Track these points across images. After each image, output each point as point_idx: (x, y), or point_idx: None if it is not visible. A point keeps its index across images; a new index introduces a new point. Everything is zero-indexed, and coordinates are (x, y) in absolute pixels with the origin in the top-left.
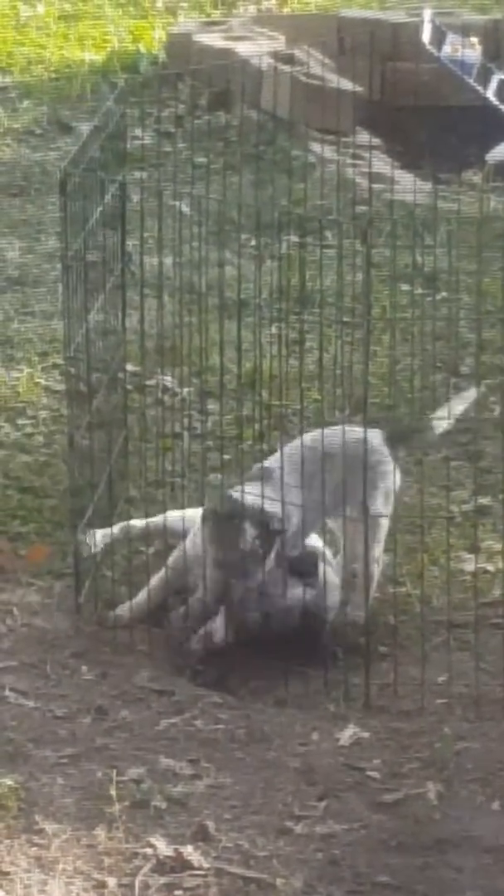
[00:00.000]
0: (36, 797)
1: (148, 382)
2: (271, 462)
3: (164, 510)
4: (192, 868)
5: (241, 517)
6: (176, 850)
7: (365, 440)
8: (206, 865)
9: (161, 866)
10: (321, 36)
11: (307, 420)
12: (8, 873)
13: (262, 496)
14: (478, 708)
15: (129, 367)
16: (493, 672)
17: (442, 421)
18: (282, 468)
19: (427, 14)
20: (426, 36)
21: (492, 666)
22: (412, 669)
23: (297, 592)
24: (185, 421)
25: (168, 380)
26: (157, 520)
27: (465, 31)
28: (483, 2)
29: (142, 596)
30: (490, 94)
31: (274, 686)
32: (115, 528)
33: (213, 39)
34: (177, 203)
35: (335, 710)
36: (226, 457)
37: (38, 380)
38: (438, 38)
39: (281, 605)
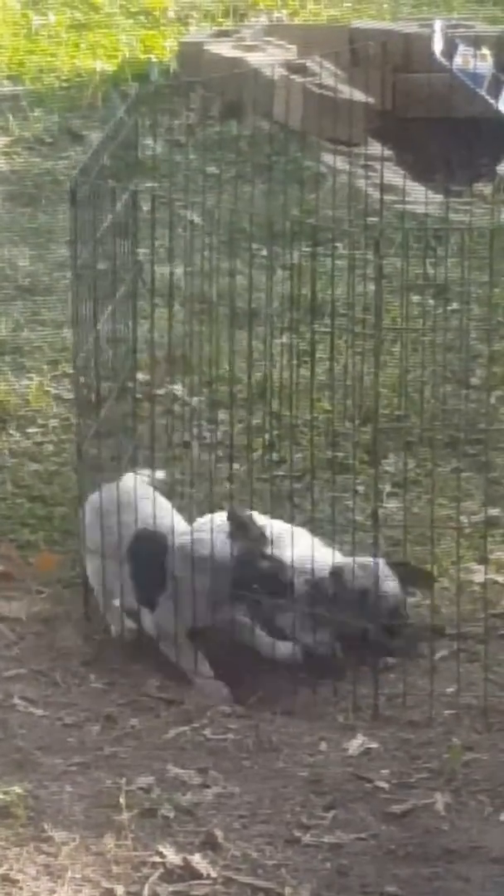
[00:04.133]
0: (44, 805)
1: (158, 392)
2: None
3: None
4: (201, 877)
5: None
6: (184, 858)
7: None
8: (214, 874)
9: (169, 875)
10: (333, 46)
11: (317, 430)
12: (16, 881)
13: None
14: (486, 719)
15: (140, 376)
16: (501, 683)
17: None
18: None
19: (439, 25)
20: (438, 47)
21: (500, 677)
22: (421, 680)
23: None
24: (195, 430)
25: (178, 389)
26: None
27: (476, 42)
28: (495, 13)
29: None
30: (501, 105)
31: (282, 696)
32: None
33: (225, 49)
34: (188, 213)
35: (343, 720)
36: (235, 467)
37: (48, 388)
38: (450, 49)
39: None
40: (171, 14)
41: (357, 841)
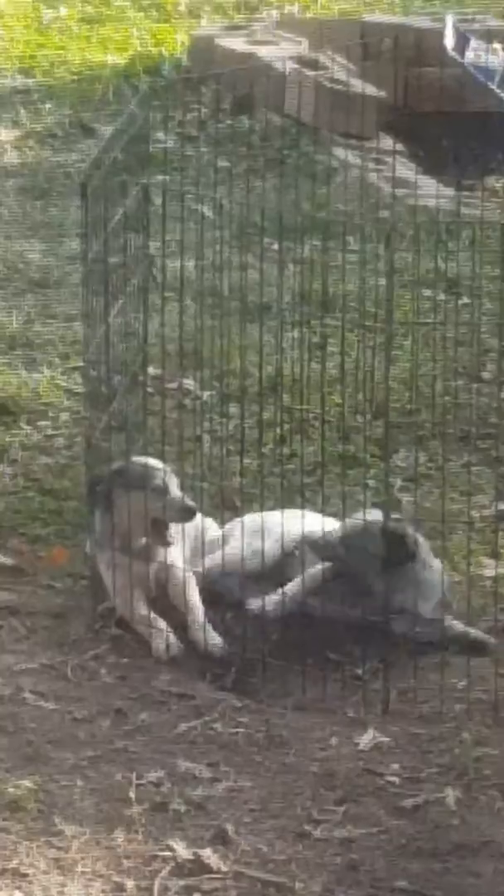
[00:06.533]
0: (55, 799)
1: (169, 385)
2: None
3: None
4: (211, 871)
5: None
6: (195, 853)
7: None
8: (224, 869)
9: (180, 869)
10: (345, 40)
11: (328, 424)
12: (26, 875)
13: None
14: (497, 714)
15: (151, 370)
16: None
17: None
18: None
19: (450, 20)
20: (449, 42)
21: None
22: (431, 674)
23: None
24: (206, 424)
25: (189, 383)
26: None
27: (488, 37)
28: None
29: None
30: None
31: (293, 690)
32: None
33: (236, 43)
34: (199, 207)
35: (354, 715)
36: (247, 461)
37: (59, 382)
38: (462, 44)
39: None
40: (182, 8)
41: (368, 835)
